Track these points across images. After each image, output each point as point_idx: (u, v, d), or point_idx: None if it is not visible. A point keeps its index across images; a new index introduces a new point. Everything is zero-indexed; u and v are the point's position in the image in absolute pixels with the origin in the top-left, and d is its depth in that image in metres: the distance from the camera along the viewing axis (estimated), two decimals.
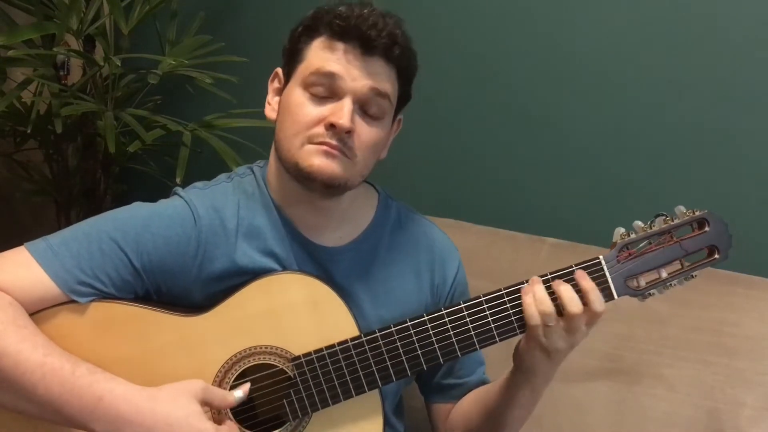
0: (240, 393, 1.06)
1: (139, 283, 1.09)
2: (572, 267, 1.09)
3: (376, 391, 1.10)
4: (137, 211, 1.12)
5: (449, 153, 1.95)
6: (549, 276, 1.08)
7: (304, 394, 1.08)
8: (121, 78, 2.16)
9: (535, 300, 1.05)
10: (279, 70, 1.17)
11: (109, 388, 0.98)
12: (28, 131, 1.98)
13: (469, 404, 1.26)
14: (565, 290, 1.05)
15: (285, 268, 1.14)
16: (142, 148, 2.00)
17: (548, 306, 1.04)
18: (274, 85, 1.18)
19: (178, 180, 1.87)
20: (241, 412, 1.09)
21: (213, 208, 1.14)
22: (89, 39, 2.16)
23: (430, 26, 1.92)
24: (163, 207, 1.14)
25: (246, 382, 1.07)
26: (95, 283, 1.06)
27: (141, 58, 2.06)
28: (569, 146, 1.78)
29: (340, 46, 1.07)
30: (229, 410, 1.08)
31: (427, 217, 1.32)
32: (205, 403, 1.03)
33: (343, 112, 1.05)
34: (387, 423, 1.16)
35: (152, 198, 1.16)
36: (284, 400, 1.08)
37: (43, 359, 0.98)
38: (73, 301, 1.05)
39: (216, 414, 1.08)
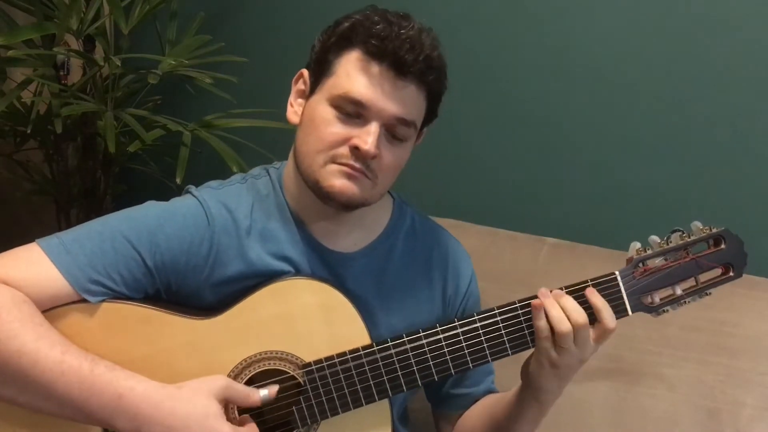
0: (265, 392, 1.05)
1: (151, 283, 1.09)
2: (587, 282, 1.09)
3: (386, 400, 1.09)
4: (151, 210, 1.12)
5: (449, 153, 1.95)
6: (563, 289, 1.08)
7: (313, 402, 1.07)
8: (121, 78, 2.16)
9: (551, 319, 1.04)
10: (304, 71, 1.14)
11: (129, 386, 0.98)
12: (28, 131, 1.98)
13: (476, 416, 1.25)
14: (568, 303, 1.05)
15: (298, 271, 1.13)
16: (142, 148, 2.00)
17: (566, 326, 1.04)
18: (298, 86, 1.15)
19: (178, 180, 1.86)
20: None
21: (226, 208, 1.13)
22: (89, 39, 2.15)
23: (432, 26, 1.92)
24: (177, 206, 1.13)
25: (274, 383, 1.06)
26: (107, 282, 1.05)
27: (141, 58, 2.06)
28: (569, 146, 1.78)
29: (373, 68, 1.04)
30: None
31: (431, 218, 1.31)
32: (227, 402, 1.03)
33: (369, 137, 1.04)
34: (394, 430, 1.15)
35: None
36: (293, 407, 1.07)
37: (61, 357, 0.97)
38: (83, 301, 1.04)
39: (237, 414, 1.07)
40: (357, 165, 1.05)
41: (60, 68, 2.28)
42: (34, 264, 1.03)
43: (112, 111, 2.01)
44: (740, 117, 1.58)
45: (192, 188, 1.17)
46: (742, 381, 1.32)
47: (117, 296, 1.06)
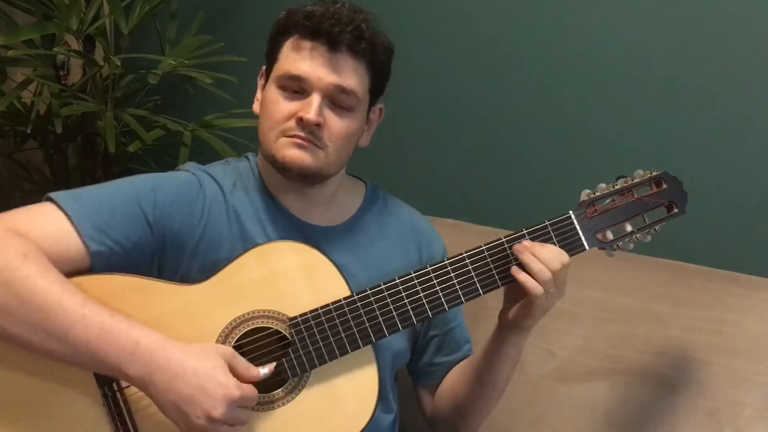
0: (265, 370, 1.09)
1: (148, 240, 1.13)
2: (545, 222, 1.19)
3: (370, 348, 1.15)
4: (146, 176, 1.20)
5: (449, 153, 1.95)
6: (525, 233, 1.19)
7: (302, 353, 1.12)
8: (121, 78, 2.16)
9: (535, 273, 1.12)
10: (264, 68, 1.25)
11: (146, 334, 1.02)
12: (28, 131, 1.99)
13: (455, 377, 1.32)
14: (543, 253, 1.14)
15: None
16: (142, 148, 2.00)
17: (548, 276, 1.12)
18: (261, 82, 1.25)
19: None
20: None
21: (213, 179, 1.22)
22: (89, 39, 2.16)
23: (429, 27, 1.92)
24: (169, 174, 1.23)
25: (272, 362, 1.11)
26: (109, 230, 1.09)
27: (141, 58, 2.06)
28: (569, 147, 1.78)
29: (307, 44, 1.15)
30: None
31: (426, 216, 1.37)
32: (231, 368, 1.06)
33: (311, 107, 1.13)
34: (383, 396, 1.20)
35: None
36: (283, 359, 1.12)
37: (83, 302, 1.01)
38: (80, 273, 1.07)
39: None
40: (303, 134, 1.15)
41: (60, 68, 2.28)
42: (48, 219, 1.08)
43: (112, 111, 2.01)
44: (742, 119, 1.58)
45: (180, 166, 1.26)
46: (742, 381, 1.32)
47: (114, 256, 1.10)
